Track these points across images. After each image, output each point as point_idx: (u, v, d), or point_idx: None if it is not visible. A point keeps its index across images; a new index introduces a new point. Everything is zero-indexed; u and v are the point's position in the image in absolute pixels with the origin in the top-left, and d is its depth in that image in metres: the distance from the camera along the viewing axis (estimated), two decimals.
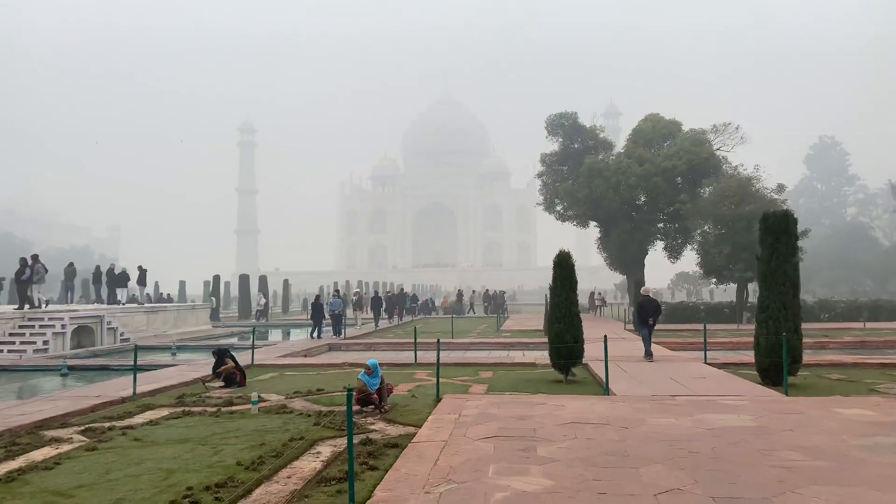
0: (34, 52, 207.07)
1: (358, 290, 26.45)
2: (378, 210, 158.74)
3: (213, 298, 39.56)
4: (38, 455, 7.23)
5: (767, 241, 11.73)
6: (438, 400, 10.08)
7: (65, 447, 7.58)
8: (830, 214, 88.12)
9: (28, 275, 19.98)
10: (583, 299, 47.35)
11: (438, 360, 11.05)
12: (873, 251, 70.45)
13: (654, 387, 11.01)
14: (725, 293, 49.11)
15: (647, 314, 15.81)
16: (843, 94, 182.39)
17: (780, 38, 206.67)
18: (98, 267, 27.10)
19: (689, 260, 40.02)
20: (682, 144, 36.32)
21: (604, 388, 10.89)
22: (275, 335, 30.12)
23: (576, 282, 12.09)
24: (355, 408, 9.61)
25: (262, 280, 46.61)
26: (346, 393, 10.67)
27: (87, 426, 8.64)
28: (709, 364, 14.29)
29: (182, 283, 60.28)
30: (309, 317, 23.93)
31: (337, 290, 26.02)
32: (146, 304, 26.77)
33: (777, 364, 11.16)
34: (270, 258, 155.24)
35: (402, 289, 53.23)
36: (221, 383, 12.27)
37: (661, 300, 48.05)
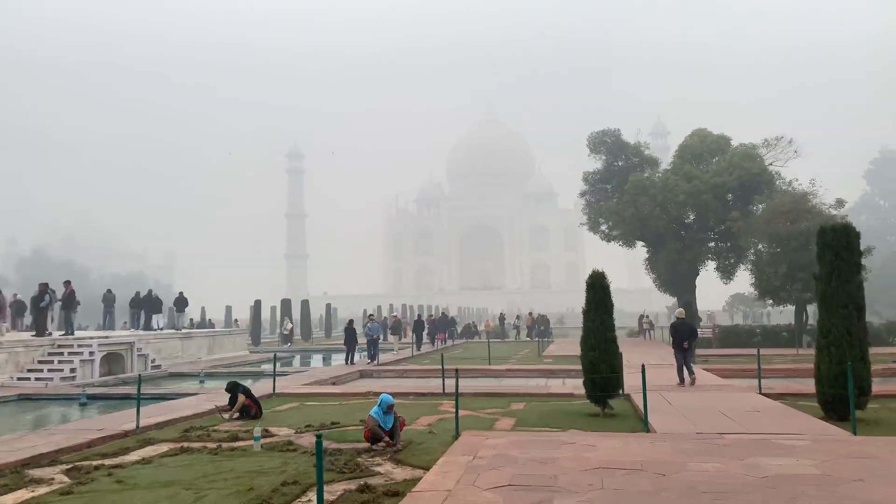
0: (84, 80, 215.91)
1: (395, 314, 25.75)
2: (423, 232, 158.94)
3: (289, 321, 39.74)
4: (9, 500, 6.62)
5: (826, 258, 10.52)
6: (457, 437, 9.16)
7: (41, 490, 6.96)
8: (895, 232, 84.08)
9: (47, 301, 19.88)
10: (633, 323, 45.77)
11: (457, 390, 10.15)
12: None
13: (700, 422, 9.88)
14: (782, 315, 46.66)
15: (681, 338, 15.12)
16: None
17: (834, 52, 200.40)
18: (138, 293, 27.09)
19: (744, 281, 38.08)
20: (732, 160, 34.78)
21: (643, 424, 9.81)
22: (314, 360, 29.61)
23: (611, 304, 11.07)
24: (365, 445, 8.80)
25: (304, 304, 46.49)
26: (361, 427, 9.90)
27: (74, 464, 8.04)
28: (764, 394, 12.99)
29: (228, 308, 60.69)
30: (344, 342, 23.26)
31: (371, 315, 25.37)
32: (182, 330, 26.57)
33: (842, 396, 9.90)
34: (319, 282, 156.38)
35: (444, 312, 52.47)
36: (237, 414, 11.62)
37: (714, 324, 46.08)
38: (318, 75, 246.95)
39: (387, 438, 8.75)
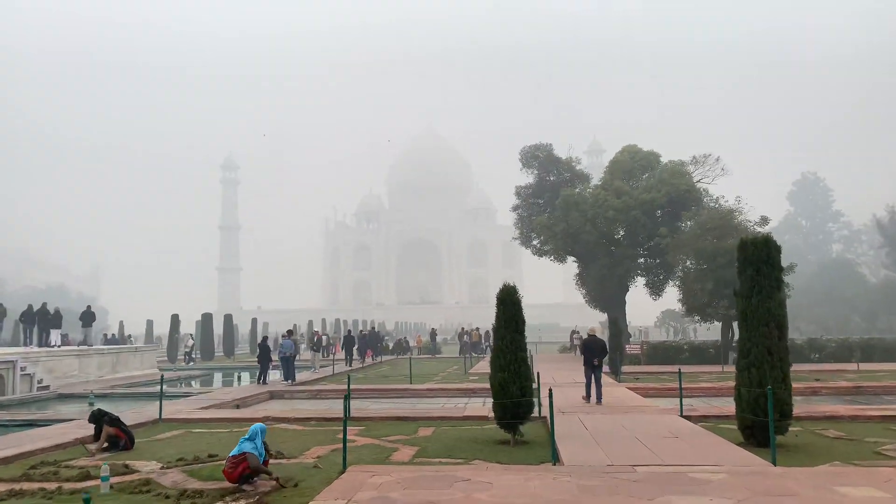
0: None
1: (316, 330, 24.50)
2: (362, 246, 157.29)
3: (191, 337, 37.41)
4: None
5: (747, 273, 9.94)
6: (343, 472, 8.08)
7: None
8: (816, 251, 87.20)
9: None
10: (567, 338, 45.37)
11: (346, 415, 9.07)
12: (860, 288, 69.32)
13: (613, 450, 9.07)
14: (710, 332, 47.27)
15: (591, 354, 14.96)
16: (824, 130, 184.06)
17: (763, 74, 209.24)
18: (30, 306, 24.90)
19: (673, 297, 38.28)
20: (662, 176, 34.95)
21: (552, 453, 8.95)
22: (227, 380, 27.93)
23: (522, 321, 10.22)
24: (232, 485, 7.62)
25: (227, 319, 44.41)
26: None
27: None
28: (685, 416, 12.36)
29: (149, 323, 57.66)
30: (257, 360, 21.80)
31: (289, 331, 23.98)
32: (79, 347, 24.55)
33: (763, 422, 9.27)
34: (254, 296, 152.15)
35: (374, 328, 51.10)
36: (105, 444, 10.21)
37: (643, 340, 46.20)
38: (256, 83, 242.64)
39: (275, 476, 7.69)
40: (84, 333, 27.66)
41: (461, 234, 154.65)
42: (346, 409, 9.59)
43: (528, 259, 46.67)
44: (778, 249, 10.05)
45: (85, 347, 24.48)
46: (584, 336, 16.47)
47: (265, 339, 22.38)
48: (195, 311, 46.10)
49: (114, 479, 7.92)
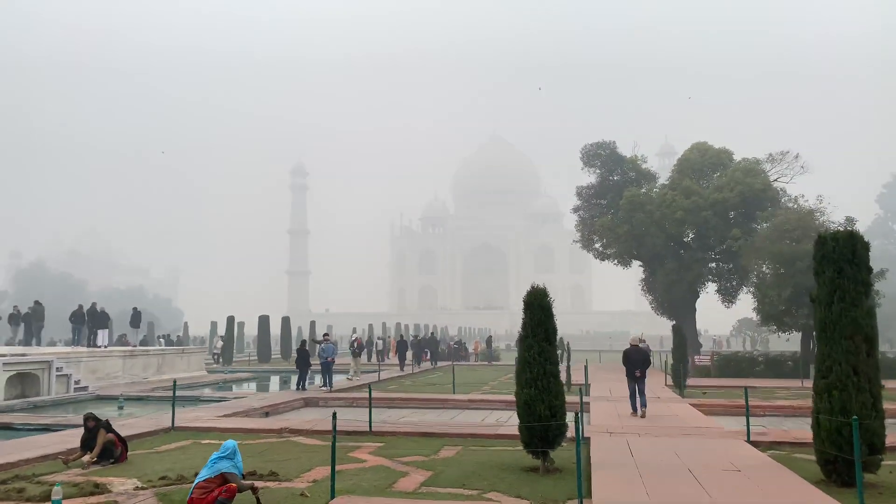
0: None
1: (356, 335, 23.71)
2: (427, 251, 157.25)
3: (221, 339, 37.26)
4: None
5: (826, 275, 8.23)
6: None
7: None
8: None
9: None
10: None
11: (335, 431, 7.87)
12: None
13: (658, 488, 7.55)
14: (789, 343, 43.96)
15: (633, 366, 13.94)
16: None
17: (849, 75, 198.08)
18: (80, 306, 24.98)
19: (748, 304, 35.59)
20: (734, 175, 32.47)
21: (586, 487, 7.51)
22: (273, 384, 27.36)
23: (553, 329, 8.81)
24: None
25: (285, 321, 44.28)
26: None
27: None
28: (753, 443, 10.63)
29: (213, 324, 58.47)
30: (295, 364, 21.01)
31: (326, 335, 23.11)
32: (124, 348, 24.42)
33: (846, 456, 7.57)
34: (322, 299, 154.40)
35: (433, 332, 50.18)
36: (92, 458, 9.36)
37: (713, 351, 43.25)
38: (324, 90, 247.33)
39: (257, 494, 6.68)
40: (134, 335, 27.56)
41: (527, 238, 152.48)
42: (333, 425, 8.36)
43: (597, 265, 44.61)
44: (866, 247, 8.29)
45: (130, 348, 24.33)
46: (628, 346, 14.95)
47: (304, 342, 21.56)
48: (265, 313, 46.26)
49: (76, 502, 7.00)
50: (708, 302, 38.26)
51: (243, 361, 38.48)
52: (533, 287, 8.92)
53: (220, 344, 36.56)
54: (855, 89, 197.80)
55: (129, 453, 9.81)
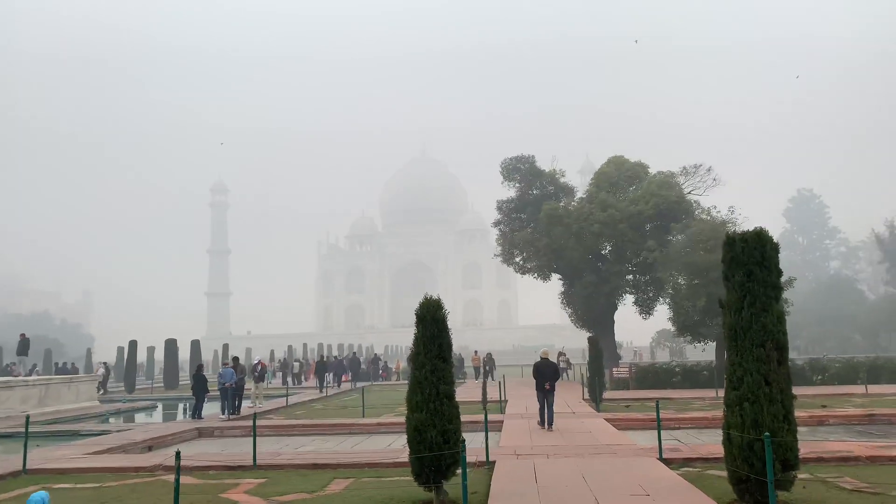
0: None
1: (259, 358, 22.21)
2: (355, 269, 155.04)
3: (104, 366, 34.94)
4: None
5: (736, 279, 7.67)
6: None
7: None
8: (813, 268, 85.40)
9: None
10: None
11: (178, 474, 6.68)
12: (860, 305, 67.26)
13: None
14: (706, 353, 44.79)
15: (543, 378, 14.18)
16: (820, 146, 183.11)
17: (758, 89, 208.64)
18: None
19: (665, 315, 35.92)
20: (649, 187, 32.81)
21: None
22: (170, 413, 25.43)
23: (448, 344, 7.93)
24: None
25: (194, 345, 41.82)
26: None
27: None
28: (666, 460, 10.01)
29: (120, 350, 54.98)
30: (192, 391, 19.41)
31: (234, 358, 21.56)
32: (5, 378, 22.10)
33: (760, 473, 6.96)
34: (244, 321, 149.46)
35: (354, 353, 48.73)
36: None
37: (641, 360, 43.41)
38: (248, 107, 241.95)
39: None
40: (20, 363, 25.16)
41: (456, 255, 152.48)
42: (177, 466, 7.19)
43: (522, 280, 44.13)
44: (775, 248, 7.79)
45: (5, 379, 22.01)
46: (538, 359, 14.50)
47: (199, 367, 19.99)
48: (185, 336, 43.65)
49: None
50: (627, 314, 38.51)
51: (148, 389, 36.01)
52: (426, 298, 8.03)
53: (100, 371, 34.02)
54: (769, 98, 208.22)
55: None
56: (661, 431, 14.37)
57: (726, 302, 7.82)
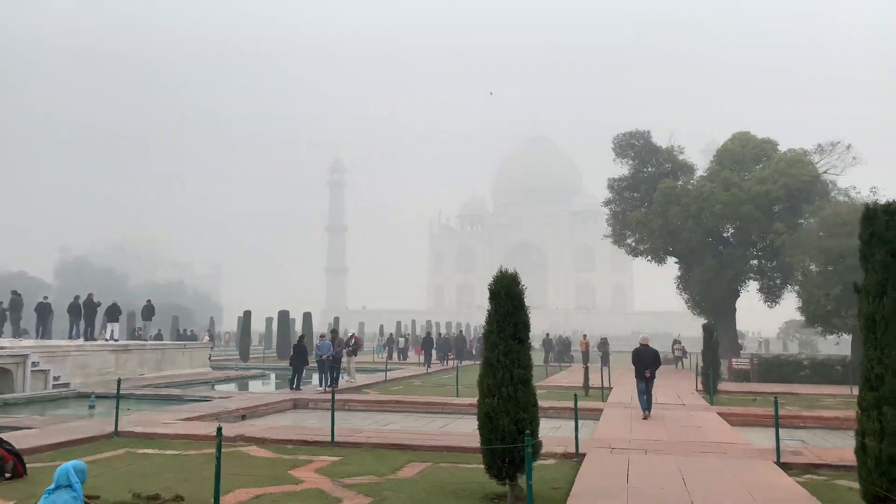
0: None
1: (353, 332, 22.05)
2: (465, 249, 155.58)
3: (208, 334, 36.61)
4: None
5: (876, 259, 6.34)
6: None
7: None
8: None
9: None
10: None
11: (219, 450, 6.30)
12: None
13: None
14: (840, 346, 40.90)
15: (643, 366, 13.52)
16: None
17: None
18: (77, 297, 24.04)
19: (794, 304, 32.93)
20: (778, 166, 30.10)
21: None
22: (275, 382, 26.07)
23: (525, 323, 7.10)
24: None
25: (306, 317, 43.13)
26: None
27: None
28: (784, 465, 8.72)
29: (240, 319, 57.81)
30: (289, 362, 19.66)
31: (333, 331, 21.66)
32: (121, 342, 23.41)
33: None
34: (359, 296, 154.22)
35: (462, 331, 48.57)
36: None
37: (766, 352, 40.19)
38: (365, 88, 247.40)
39: None
40: (144, 327, 26.64)
41: (568, 237, 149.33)
42: (219, 443, 6.79)
43: (639, 263, 41.90)
44: None
45: (124, 343, 23.30)
46: (637, 345, 13.36)
47: (301, 338, 20.18)
48: (304, 309, 45.34)
49: None
50: (751, 302, 35.82)
51: (261, 359, 37.44)
52: (500, 272, 7.22)
53: (205, 339, 35.58)
54: None
55: (40, 465, 8.45)
56: (782, 431, 12.90)
57: (864, 286, 6.49)
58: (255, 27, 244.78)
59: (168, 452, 9.73)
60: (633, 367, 13.84)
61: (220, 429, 6.01)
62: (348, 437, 10.78)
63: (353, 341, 21.08)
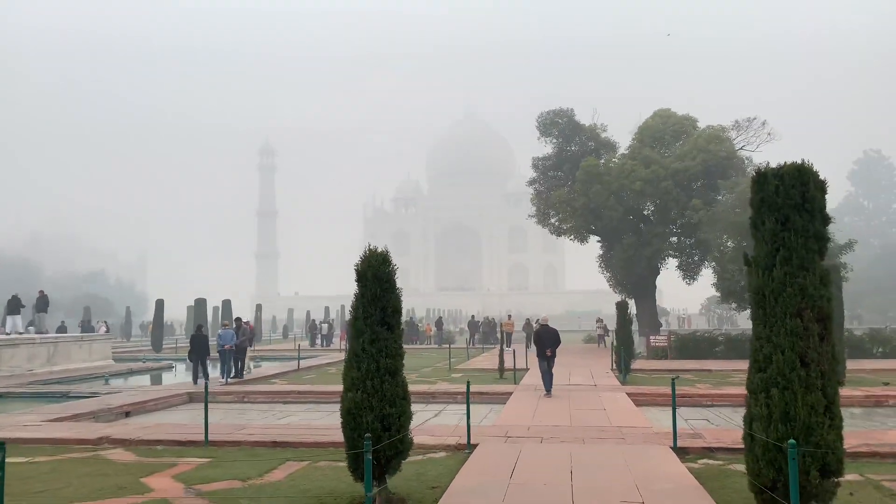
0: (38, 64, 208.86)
1: (248, 320, 20.95)
2: (400, 232, 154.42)
3: (105, 324, 34.90)
4: None
5: (766, 228, 5.85)
6: None
7: None
8: (879, 234, 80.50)
9: None
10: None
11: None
12: None
13: None
14: None
15: (543, 346, 13.84)
16: (887, 105, 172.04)
17: (819, 48, 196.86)
18: None
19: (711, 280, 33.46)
20: (697, 142, 30.38)
21: None
22: (181, 374, 24.73)
23: (395, 308, 6.37)
24: None
25: (225, 304, 41.43)
26: None
27: None
28: (681, 450, 8.32)
29: (158, 303, 55.20)
30: (188, 354, 18.50)
31: (237, 318, 20.51)
32: (12, 336, 21.63)
33: (789, 481, 5.24)
34: (291, 282, 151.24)
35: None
36: None
37: (687, 327, 40.89)
38: (293, 70, 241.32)
39: None
40: (37, 320, 24.81)
41: (501, 218, 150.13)
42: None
43: (570, 244, 41.51)
44: (820, 186, 5.91)
45: (8, 337, 21.52)
46: (537, 325, 13.03)
47: (199, 327, 18.98)
48: (233, 297, 43.54)
49: None
50: (675, 280, 36.26)
51: (174, 349, 35.69)
52: (369, 251, 6.45)
53: (102, 329, 33.88)
54: (828, 61, 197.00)
55: None
56: (690, 410, 12.67)
57: (754, 258, 6.01)
58: (181, 15, 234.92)
59: (17, 460, 8.59)
60: (562, 348, 13.61)
61: (2, 444, 4.90)
62: (228, 435, 9.87)
63: (249, 330, 19.94)
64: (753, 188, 6.10)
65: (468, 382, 9.18)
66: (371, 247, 6.50)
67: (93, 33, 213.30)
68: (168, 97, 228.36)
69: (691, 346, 25.19)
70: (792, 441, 4.86)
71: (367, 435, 5.49)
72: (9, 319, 24.51)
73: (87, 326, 35.00)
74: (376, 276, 6.28)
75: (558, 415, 11.05)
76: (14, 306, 24.14)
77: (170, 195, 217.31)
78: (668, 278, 35.94)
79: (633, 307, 33.43)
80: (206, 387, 10.46)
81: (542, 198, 34.66)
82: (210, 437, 9.48)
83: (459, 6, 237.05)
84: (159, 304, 36.57)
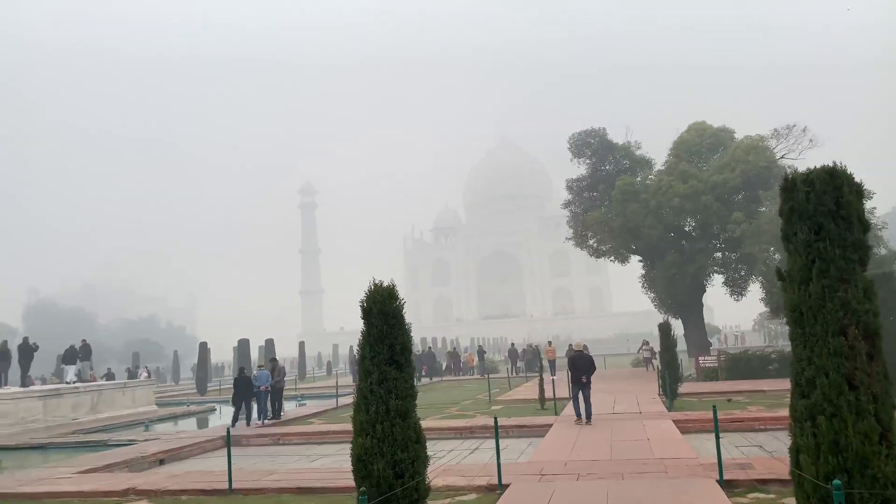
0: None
1: (274, 358, 20.64)
2: (440, 262, 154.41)
3: (146, 370, 35.25)
4: None
5: (798, 239, 5.36)
6: None
7: None
8: None
9: None
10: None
11: None
12: None
13: None
14: None
15: (578, 372, 13.39)
16: None
17: (856, 63, 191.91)
18: (5, 342, 22.51)
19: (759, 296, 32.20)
20: (735, 154, 29.46)
21: None
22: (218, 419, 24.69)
23: (405, 346, 6.04)
24: None
25: (268, 343, 41.63)
26: None
27: None
28: (728, 482, 7.69)
29: (202, 346, 55.86)
30: (232, 398, 18.40)
31: (273, 359, 20.38)
32: (50, 386, 21.94)
33: None
34: (337, 318, 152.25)
35: (430, 347, 47.25)
36: None
37: (740, 345, 39.20)
38: (326, 103, 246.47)
39: None
40: (79, 369, 25.17)
41: (541, 243, 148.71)
42: None
43: (614, 265, 40.64)
44: (856, 191, 5.40)
45: (53, 387, 21.81)
46: (571, 351, 12.43)
47: (241, 370, 18.87)
48: (281, 335, 44.02)
49: None
50: (721, 296, 35.06)
51: (218, 391, 35.87)
52: (374, 285, 6.15)
53: (143, 375, 34.16)
54: (865, 75, 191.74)
55: None
56: (741, 435, 11.92)
57: (787, 272, 5.51)
58: (210, 65, 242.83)
59: None
60: (608, 373, 13.14)
61: None
62: (253, 482, 9.59)
63: (276, 369, 19.73)
64: (782, 197, 5.63)
65: (496, 418, 8.72)
66: (376, 281, 6.20)
67: (137, 79, 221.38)
68: (215, 137, 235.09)
69: (743, 365, 24.11)
70: (837, 482, 4.31)
71: (363, 489, 5.12)
72: (65, 369, 25.08)
73: (132, 373, 35.45)
74: (382, 311, 5.97)
75: (598, 447, 10.48)
76: (70, 356, 24.58)
77: (215, 238, 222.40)
78: (716, 295, 34.81)
79: (680, 327, 32.57)
80: (228, 432, 10.22)
81: (578, 220, 34.04)
82: (234, 485, 9.21)
83: (490, 30, 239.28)
84: (203, 347, 36.96)
